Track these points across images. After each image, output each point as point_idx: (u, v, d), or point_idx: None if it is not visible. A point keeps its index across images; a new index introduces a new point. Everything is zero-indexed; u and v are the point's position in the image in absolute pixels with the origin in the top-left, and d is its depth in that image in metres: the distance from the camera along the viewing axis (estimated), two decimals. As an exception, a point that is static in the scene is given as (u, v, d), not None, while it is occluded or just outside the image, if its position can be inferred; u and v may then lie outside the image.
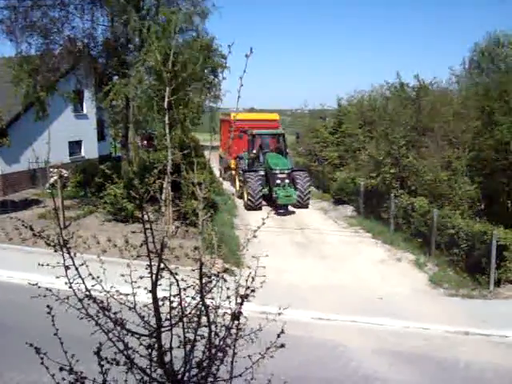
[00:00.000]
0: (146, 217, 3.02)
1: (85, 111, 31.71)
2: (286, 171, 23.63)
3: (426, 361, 10.51)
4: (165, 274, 3.22)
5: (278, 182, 23.20)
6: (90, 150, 32.44)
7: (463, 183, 19.12)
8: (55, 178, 24.67)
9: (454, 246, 15.57)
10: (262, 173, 24.64)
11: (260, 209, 23.54)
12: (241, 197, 25.61)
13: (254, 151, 26.04)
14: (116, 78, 21.86)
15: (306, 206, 24.41)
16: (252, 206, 23.35)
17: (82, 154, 31.97)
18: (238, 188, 27.27)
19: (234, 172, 29.26)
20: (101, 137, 34.21)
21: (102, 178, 20.66)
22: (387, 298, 13.55)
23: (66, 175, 24.55)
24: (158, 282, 3.17)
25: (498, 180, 18.78)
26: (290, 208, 23.82)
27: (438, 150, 20.42)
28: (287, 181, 23.34)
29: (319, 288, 14.19)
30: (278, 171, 23.46)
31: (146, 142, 33.34)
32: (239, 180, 26.50)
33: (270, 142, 27.04)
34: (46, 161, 23.67)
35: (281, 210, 23.31)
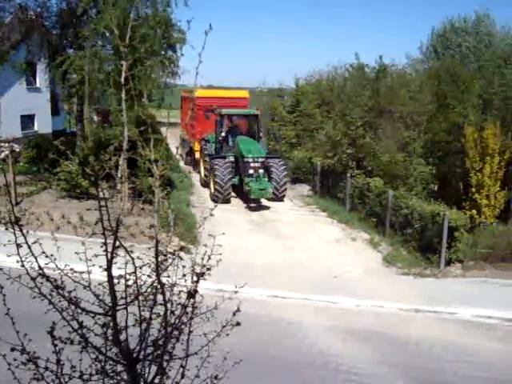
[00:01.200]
0: (101, 194, 2.95)
1: (38, 84, 30.74)
2: (260, 159, 20.73)
3: (378, 337, 10.80)
4: (120, 252, 3.17)
5: (251, 171, 20.32)
6: (44, 124, 31.54)
7: (418, 165, 19.50)
8: (6, 152, 23.96)
9: (408, 227, 15.94)
10: (232, 159, 21.61)
11: (228, 201, 20.60)
12: (205, 185, 22.53)
13: (223, 134, 22.74)
14: (71, 50, 21.24)
15: (281, 199, 21.61)
16: (220, 198, 19.86)
17: (35, 128, 31.08)
18: (202, 175, 23.86)
19: (198, 156, 25.82)
20: (55, 111, 33.28)
21: (56, 154, 20.26)
22: (342, 277, 13.80)
23: (17, 150, 23.87)
24: (114, 260, 3.12)
25: (451, 162, 19.26)
26: (264, 201, 20.97)
27: (394, 131, 20.72)
28: (261, 171, 20.47)
29: (275, 266, 14.31)
30: (250, 159, 20.53)
31: (101, 117, 32.55)
32: (204, 167, 23.26)
33: (241, 124, 24.08)
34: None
35: (252, 203, 20.64)
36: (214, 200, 20.49)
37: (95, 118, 27.09)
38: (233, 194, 21.07)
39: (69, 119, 36.10)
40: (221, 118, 22.80)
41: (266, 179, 20.56)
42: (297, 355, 9.87)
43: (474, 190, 17.16)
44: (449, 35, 29.39)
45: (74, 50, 20.71)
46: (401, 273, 14.46)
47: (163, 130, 27.75)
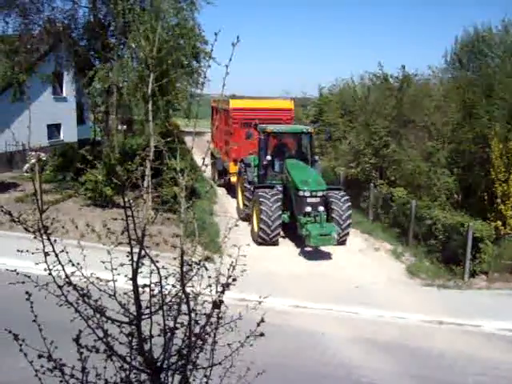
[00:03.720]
0: (127, 204, 3.00)
1: (64, 94, 31.25)
2: (320, 193, 16.20)
3: (400, 349, 10.68)
4: (145, 261, 3.21)
5: (308, 209, 15.82)
6: (69, 133, 32.00)
7: (442, 175, 19.33)
8: (33, 161, 24.38)
9: (431, 237, 15.77)
10: (280, 188, 17.36)
11: (276, 244, 16.67)
12: (246, 219, 18.00)
13: (269, 157, 18.21)
14: (98, 62, 21.62)
15: (343, 243, 16.94)
16: (266, 240, 16.25)
17: (61, 137, 31.54)
18: (241, 206, 19.50)
19: (235, 180, 21.18)
20: (80, 120, 33.77)
21: (82, 163, 20.55)
22: (364, 287, 13.70)
23: (44, 159, 24.25)
24: (139, 270, 3.16)
25: (476, 172, 19.03)
26: (324, 248, 16.28)
27: (418, 141, 20.60)
28: (321, 208, 15.89)
29: (297, 276, 14.28)
30: (307, 193, 16.00)
31: (125, 126, 32.87)
32: (243, 195, 19.02)
33: (289, 143, 19.55)
34: (24, 144, 23.35)
35: (308, 248, 16.11)
36: (258, 242, 16.36)
37: (120, 127, 27.40)
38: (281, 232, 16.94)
39: (94, 128, 36.64)
40: (265, 136, 18.39)
41: (330, 222, 16.13)
42: (318, 366, 9.81)
43: (499, 200, 16.91)
44: (475, 44, 29.03)
45: (100, 62, 21.05)
46: (424, 284, 14.30)
47: (187, 139, 27.70)
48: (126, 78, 19.12)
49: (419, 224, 16.58)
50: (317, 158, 19.40)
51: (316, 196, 16.03)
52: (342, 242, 16.63)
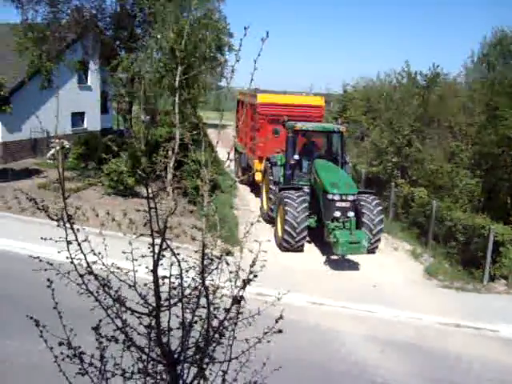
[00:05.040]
0: (150, 195, 3.02)
1: (89, 83, 31.51)
2: (351, 197, 15.08)
3: (416, 350, 10.62)
4: (165, 252, 3.22)
5: (337, 214, 14.68)
6: (93, 122, 32.28)
7: (464, 176, 19.11)
8: (57, 148, 24.65)
9: (451, 239, 15.61)
10: (308, 190, 16.41)
11: (301, 250, 15.64)
12: (270, 221, 17.10)
13: (296, 156, 17.19)
14: (123, 51, 21.78)
15: (373, 251, 15.93)
16: (291, 246, 15.27)
17: (85, 125, 31.82)
18: (265, 206, 18.57)
19: (259, 179, 20.18)
20: (104, 109, 34.04)
21: (105, 152, 20.73)
22: (381, 287, 13.63)
23: (67, 146, 24.51)
24: (159, 262, 3.17)
25: (499, 175, 18.77)
26: (356, 260, 15.25)
27: (441, 141, 20.39)
28: (351, 213, 14.72)
29: (314, 273, 14.26)
30: (337, 197, 14.87)
31: (149, 117, 32.97)
32: (268, 197, 17.99)
33: (319, 142, 18.59)
34: (49, 131, 23.60)
35: (335, 256, 15.00)
36: (282, 247, 15.44)
37: (143, 117, 27.52)
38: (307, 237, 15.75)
39: (117, 118, 36.90)
40: (294, 134, 17.22)
41: (360, 229, 15.00)
42: (332, 363, 9.80)
43: (522, 204, 16.69)
44: (504, 44, 28.59)
45: (126, 51, 21.20)
46: (442, 286, 14.18)
47: (210, 131, 27.45)
48: (150, 68, 19.21)
49: (439, 225, 16.42)
50: (348, 159, 18.33)
51: (346, 200, 14.91)
52: (372, 250, 15.64)
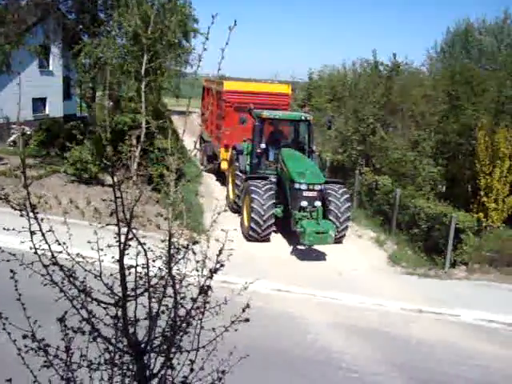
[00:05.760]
0: (116, 185, 2.97)
1: (51, 68, 30.76)
2: (318, 186, 14.94)
3: (380, 336, 10.82)
4: (131, 242, 3.19)
5: (304, 204, 14.58)
6: (55, 108, 31.57)
7: (427, 164, 19.43)
8: (17, 135, 24.08)
9: (414, 226, 15.90)
10: (274, 179, 16.20)
11: (268, 240, 15.59)
12: (236, 210, 16.98)
13: (263, 145, 16.92)
14: (86, 36, 21.31)
15: (340, 241, 15.83)
16: (257, 236, 15.19)
17: (47, 111, 31.10)
18: (231, 196, 18.41)
19: (225, 167, 20.09)
20: (67, 95, 33.33)
21: (67, 138, 20.36)
22: (346, 274, 13.82)
23: (28, 133, 23.95)
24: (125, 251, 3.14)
25: (461, 164, 19.18)
26: (320, 248, 15.17)
27: (405, 130, 20.67)
28: (318, 203, 14.64)
29: (280, 261, 14.34)
30: (304, 186, 14.74)
31: (112, 103, 32.37)
32: (234, 185, 17.91)
33: (287, 132, 18.56)
34: (8, 117, 22.99)
35: (301, 246, 14.99)
36: (248, 238, 15.31)
37: (106, 103, 27.06)
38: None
39: (80, 104, 36.17)
40: (260, 122, 16.98)
41: (327, 220, 14.87)
42: (298, 350, 9.90)
43: (482, 193, 17.06)
44: (468, 34, 29.04)
45: (89, 36, 20.74)
46: (405, 272, 14.46)
47: (174, 117, 27.12)
48: (114, 54, 18.84)
49: (403, 213, 16.70)
50: (315, 148, 18.04)
51: (313, 190, 14.75)
52: (338, 240, 15.53)
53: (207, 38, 2.95)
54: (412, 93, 20.94)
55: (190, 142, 3.61)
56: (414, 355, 10.17)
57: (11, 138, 24.60)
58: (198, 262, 3.26)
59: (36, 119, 27.62)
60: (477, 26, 29.84)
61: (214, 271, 3.20)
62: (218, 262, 3.20)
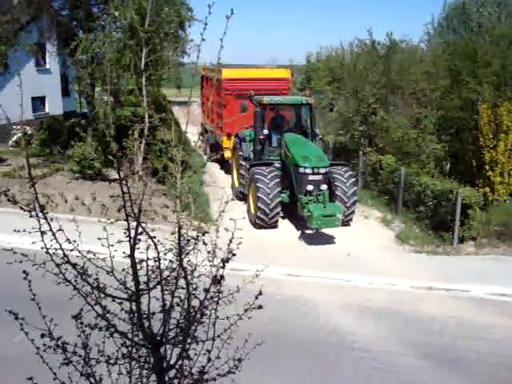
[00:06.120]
0: (123, 181, 2.98)
1: (47, 66, 30.68)
2: (323, 170, 14.86)
3: (391, 315, 10.86)
4: (141, 236, 3.20)
5: (310, 188, 14.53)
6: (55, 106, 31.53)
7: (430, 141, 19.37)
8: (19, 135, 24.09)
9: (421, 204, 15.89)
10: (279, 165, 16.09)
11: (275, 226, 15.52)
12: (242, 198, 16.91)
13: (266, 131, 16.78)
14: (81, 32, 21.20)
15: (348, 224, 15.80)
16: (264, 223, 15.16)
17: (46, 110, 31.09)
18: (236, 184, 18.25)
19: (227, 156, 20.13)
20: (65, 92, 33.28)
21: (71, 136, 20.34)
22: (355, 255, 13.84)
23: (29, 132, 23.96)
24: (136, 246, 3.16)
25: (464, 139, 19.11)
26: (328, 231, 15.06)
27: (406, 108, 20.57)
28: (324, 186, 14.57)
29: (289, 246, 14.37)
30: (309, 170, 14.69)
31: (112, 98, 32.26)
32: (239, 173, 17.78)
33: (289, 117, 18.33)
34: (9, 118, 22.93)
35: (309, 231, 14.80)
36: (256, 225, 15.27)
37: (105, 98, 27.00)
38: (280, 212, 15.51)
39: (79, 100, 36.14)
40: (262, 108, 16.94)
41: (334, 202, 14.86)
42: (310, 333, 9.96)
43: (487, 167, 17.03)
44: (467, 5, 28.70)
45: (84, 32, 20.64)
46: (413, 250, 14.47)
47: (175, 108, 27.05)
48: (111, 48, 18.75)
49: (408, 191, 16.68)
50: (318, 131, 17.75)
51: (318, 173, 14.68)
52: (346, 223, 15.51)
53: (205, 28, 2.94)
54: (411, 70, 20.81)
55: (192, 132, 3.61)
56: (425, 332, 10.21)
57: (13, 139, 24.61)
58: (209, 252, 3.28)
59: (36, 118, 27.61)
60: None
61: (225, 261, 3.22)
62: (229, 252, 3.21)
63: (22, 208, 2.86)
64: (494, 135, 16.76)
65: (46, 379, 3.17)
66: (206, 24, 2.92)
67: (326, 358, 9.16)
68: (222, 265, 3.23)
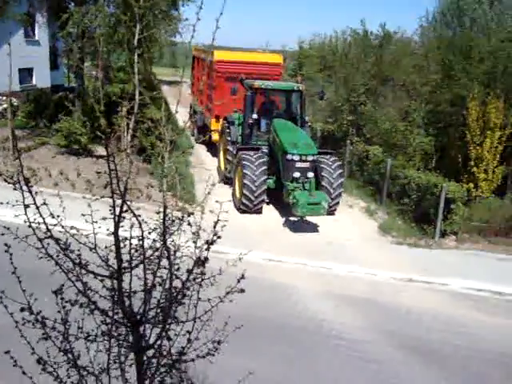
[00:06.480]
0: (110, 157, 2.95)
1: (37, 37, 30.20)
2: (310, 157, 14.83)
3: (370, 305, 10.97)
4: (125, 214, 3.18)
5: (297, 175, 14.52)
6: (42, 78, 31.10)
7: (418, 135, 19.46)
8: (4, 106, 23.75)
9: (405, 196, 15.99)
10: (266, 150, 16.09)
11: (260, 212, 15.50)
12: (228, 181, 16.97)
13: (255, 115, 16.63)
14: (73, 4, 20.84)
15: (332, 213, 15.88)
16: (249, 208, 15.16)
17: (34, 82, 30.67)
18: (222, 167, 18.22)
19: (215, 138, 19.82)
20: (54, 65, 32.81)
21: (56, 109, 20.11)
22: (337, 243, 13.92)
23: (15, 104, 23.62)
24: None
25: (452, 134, 19.22)
26: (312, 219, 15.11)
27: (396, 100, 20.61)
28: (311, 174, 14.64)
29: (272, 232, 14.40)
30: (296, 157, 14.64)
31: (102, 73, 31.85)
32: (226, 158, 17.61)
33: (279, 102, 18.26)
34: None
35: (294, 217, 14.93)
36: (240, 209, 15.24)
37: (95, 73, 26.63)
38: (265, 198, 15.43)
39: (68, 74, 35.65)
40: (252, 93, 16.66)
41: (319, 190, 14.93)
42: (289, 319, 10.02)
43: (472, 163, 17.17)
44: (463, 2, 28.69)
45: (75, 4, 20.29)
46: (395, 242, 14.57)
47: (164, 88, 26.77)
48: (102, 22, 18.48)
49: (393, 183, 16.77)
50: (307, 118, 17.65)
51: (306, 160, 14.63)
52: (331, 212, 15.52)
53: (201, 7, 2.91)
54: (403, 62, 20.82)
55: (181, 112, 3.58)
56: (403, 323, 10.33)
57: (-2, 109, 24.28)
58: (193, 233, 3.27)
59: (23, 90, 27.22)
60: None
61: (210, 243, 3.21)
62: (214, 234, 3.20)
63: (6, 180, 2.82)
64: (481, 132, 16.88)
65: (23, 353, 3.16)
66: (201, 4, 2.88)
67: (303, 344, 9.24)
68: (206, 247, 3.22)
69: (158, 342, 3.28)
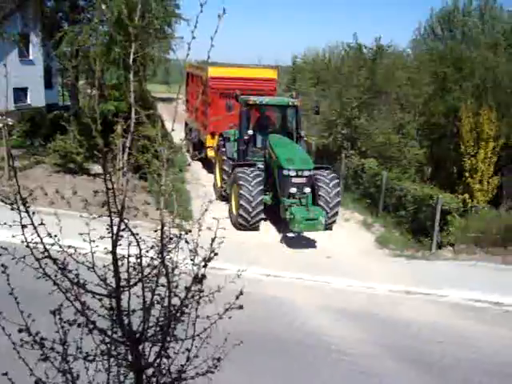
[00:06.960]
0: (108, 176, 2.95)
1: (31, 57, 30.32)
2: (307, 172, 14.79)
3: (369, 318, 10.94)
4: (123, 232, 3.18)
5: (293, 190, 14.42)
6: (37, 97, 31.18)
7: (412, 147, 19.56)
8: (0, 125, 23.72)
9: (401, 208, 16.02)
10: (262, 166, 15.98)
11: (257, 228, 15.44)
12: (224, 198, 16.78)
13: (250, 131, 16.53)
14: (66, 24, 20.98)
15: (330, 228, 15.62)
16: (245, 226, 15.04)
17: (28, 101, 30.73)
18: (219, 184, 18.00)
19: (210, 155, 19.88)
20: (48, 84, 32.90)
21: (51, 128, 20.13)
22: (334, 257, 13.91)
23: (11, 123, 23.62)
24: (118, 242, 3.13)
25: (446, 146, 19.33)
26: (309, 233, 14.91)
27: (390, 113, 20.74)
28: (307, 189, 14.57)
29: (270, 247, 14.38)
30: (293, 173, 14.54)
31: (96, 92, 31.94)
32: (222, 173, 17.43)
33: (275, 118, 18.17)
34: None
35: (291, 233, 14.48)
36: (238, 226, 15.08)
37: (89, 91, 26.71)
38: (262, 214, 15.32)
39: (62, 93, 35.76)
40: (247, 108, 16.68)
41: (317, 206, 14.81)
42: (288, 334, 9.97)
43: (467, 174, 17.26)
44: (453, 15, 29.02)
45: (69, 24, 20.43)
46: (393, 254, 14.58)
47: (159, 105, 26.84)
48: (96, 41, 18.58)
49: (389, 195, 16.81)
50: (303, 133, 17.41)
51: (302, 176, 14.54)
52: (329, 226, 15.31)
53: (196, 26, 2.93)
54: (396, 75, 20.98)
55: (177, 128, 3.59)
56: (403, 336, 10.30)
57: (-7, 130, 24.25)
58: (190, 251, 3.27)
59: (18, 109, 27.25)
60: (461, 8, 29.88)
61: (208, 260, 3.21)
62: (212, 251, 3.20)
63: (2, 200, 2.82)
64: (475, 143, 16.98)
65: (21, 375, 3.13)
66: (196, 23, 2.91)
67: (303, 358, 9.18)
68: (203, 264, 3.22)
69: (158, 361, 3.26)
